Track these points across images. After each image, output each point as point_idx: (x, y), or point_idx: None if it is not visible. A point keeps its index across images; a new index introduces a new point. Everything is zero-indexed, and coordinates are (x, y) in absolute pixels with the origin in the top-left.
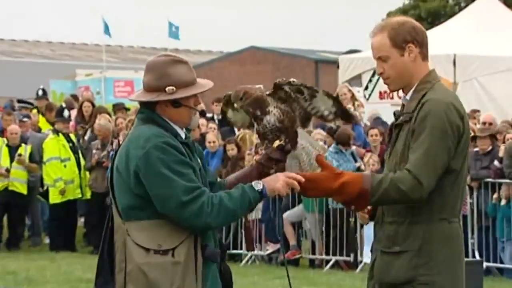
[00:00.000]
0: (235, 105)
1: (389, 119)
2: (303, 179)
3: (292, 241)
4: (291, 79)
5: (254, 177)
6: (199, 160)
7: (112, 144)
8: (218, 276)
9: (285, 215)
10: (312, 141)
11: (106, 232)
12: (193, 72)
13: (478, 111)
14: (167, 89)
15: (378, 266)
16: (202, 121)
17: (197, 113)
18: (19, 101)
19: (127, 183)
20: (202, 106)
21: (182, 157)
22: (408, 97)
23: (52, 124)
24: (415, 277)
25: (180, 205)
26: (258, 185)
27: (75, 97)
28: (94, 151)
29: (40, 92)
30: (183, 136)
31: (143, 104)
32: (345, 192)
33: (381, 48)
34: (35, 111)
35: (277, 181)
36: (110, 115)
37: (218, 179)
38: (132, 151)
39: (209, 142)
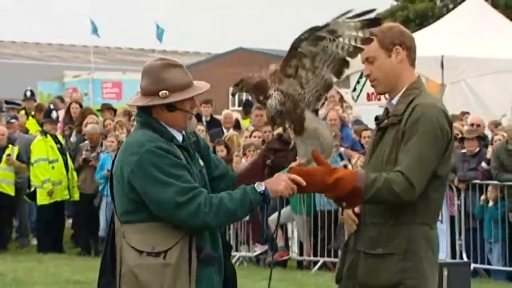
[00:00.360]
0: (231, 89)
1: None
2: (304, 183)
3: (280, 243)
4: (303, 32)
5: (259, 166)
6: (200, 161)
7: (101, 145)
8: (216, 279)
9: (272, 217)
10: (321, 121)
11: (109, 234)
12: (188, 75)
13: (468, 113)
14: (160, 93)
15: (363, 268)
16: None
17: (193, 117)
18: (7, 102)
19: (122, 188)
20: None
21: (176, 160)
22: (394, 101)
23: (42, 125)
24: (402, 281)
25: (176, 207)
26: (260, 186)
27: (61, 98)
28: (84, 152)
29: (28, 93)
30: (180, 140)
31: (140, 108)
32: (338, 188)
33: (368, 49)
34: (22, 112)
35: (280, 184)
36: (97, 116)
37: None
38: (126, 157)
39: None
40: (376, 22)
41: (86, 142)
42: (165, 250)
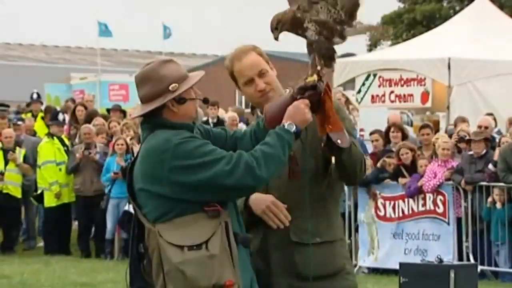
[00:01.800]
0: (273, 35)
1: (382, 123)
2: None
3: None
4: None
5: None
6: None
7: (95, 147)
8: (249, 260)
9: None
10: None
11: (133, 239)
12: (182, 66)
13: (492, 114)
14: (171, 87)
15: (303, 260)
16: None
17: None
18: None
19: (154, 190)
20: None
21: (203, 140)
22: None
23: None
24: (344, 267)
25: (228, 175)
26: (291, 127)
27: (73, 100)
28: (77, 155)
29: (35, 96)
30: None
31: (148, 115)
32: (337, 122)
33: (259, 63)
34: (29, 114)
35: (305, 113)
36: (105, 119)
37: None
38: (156, 157)
39: None
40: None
41: (79, 145)
42: (206, 241)
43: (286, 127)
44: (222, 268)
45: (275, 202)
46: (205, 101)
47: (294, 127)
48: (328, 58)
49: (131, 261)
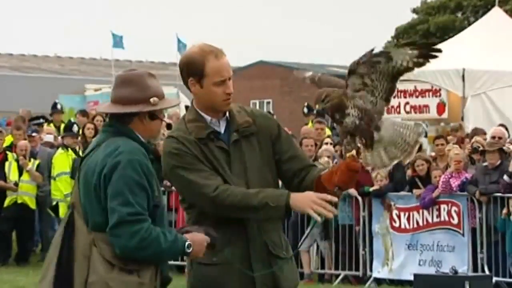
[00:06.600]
0: (317, 106)
1: None
2: (335, 199)
3: (307, 270)
4: (361, 56)
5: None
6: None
7: None
8: None
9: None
10: (402, 122)
11: (64, 239)
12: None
13: (502, 125)
14: (152, 100)
15: (280, 273)
16: None
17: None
18: (32, 118)
19: (99, 196)
20: None
21: (143, 181)
22: (226, 117)
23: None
24: (298, 283)
25: (120, 223)
26: (188, 248)
27: (83, 112)
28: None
29: (59, 106)
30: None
31: (115, 117)
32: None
33: (230, 68)
34: (51, 125)
35: (203, 248)
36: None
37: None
38: (109, 161)
39: None
40: (433, 57)
41: None
42: (137, 269)
43: (186, 245)
44: None
45: (319, 195)
46: (169, 126)
47: (190, 250)
48: (370, 139)
49: (58, 263)
